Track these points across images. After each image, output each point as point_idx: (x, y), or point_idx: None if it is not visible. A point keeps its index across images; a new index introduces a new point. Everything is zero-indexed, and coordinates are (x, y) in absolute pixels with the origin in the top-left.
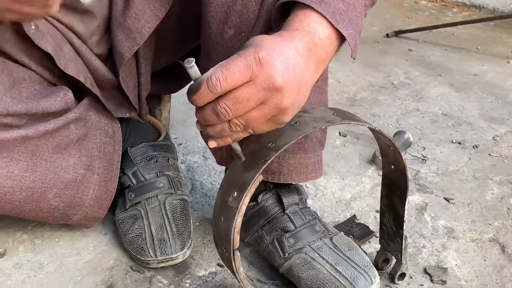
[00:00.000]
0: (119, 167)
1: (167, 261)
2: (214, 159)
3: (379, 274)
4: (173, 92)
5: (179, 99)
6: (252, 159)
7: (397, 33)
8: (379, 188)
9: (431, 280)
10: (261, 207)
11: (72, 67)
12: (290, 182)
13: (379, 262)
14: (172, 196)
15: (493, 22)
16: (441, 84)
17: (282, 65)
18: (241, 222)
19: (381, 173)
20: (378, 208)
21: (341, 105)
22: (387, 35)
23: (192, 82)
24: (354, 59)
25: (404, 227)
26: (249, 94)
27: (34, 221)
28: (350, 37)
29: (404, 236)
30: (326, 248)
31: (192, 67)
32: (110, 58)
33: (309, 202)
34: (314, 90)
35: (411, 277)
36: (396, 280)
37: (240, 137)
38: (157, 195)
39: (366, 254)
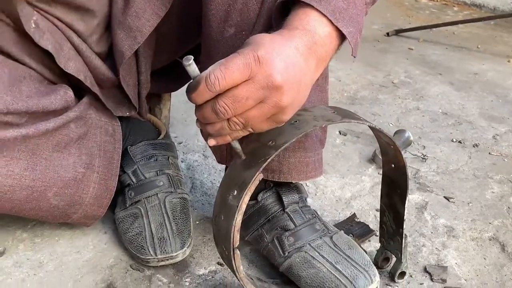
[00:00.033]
0: (119, 165)
1: (167, 259)
2: (214, 157)
3: (379, 273)
4: (173, 91)
5: (179, 97)
6: (252, 158)
7: (398, 32)
8: (379, 187)
9: (431, 279)
10: (261, 206)
11: (72, 65)
12: (290, 181)
13: (379, 261)
14: (172, 194)
15: (494, 21)
16: (442, 83)
17: (281, 64)
18: (241, 221)
19: (381, 172)
20: (378, 207)
21: (341, 104)
22: (388, 33)
23: (191, 80)
24: (354, 57)
25: (404, 226)
26: (248, 92)
27: (33, 219)
28: (350, 35)
29: (404, 235)
30: (326, 246)
31: (190, 64)
32: (110, 56)
33: (309, 200)
34: (315, 88)
35: (411, 276)
36: (396, 278)
37: (240, 136)
38: (157, 194)
39: (366, 253)
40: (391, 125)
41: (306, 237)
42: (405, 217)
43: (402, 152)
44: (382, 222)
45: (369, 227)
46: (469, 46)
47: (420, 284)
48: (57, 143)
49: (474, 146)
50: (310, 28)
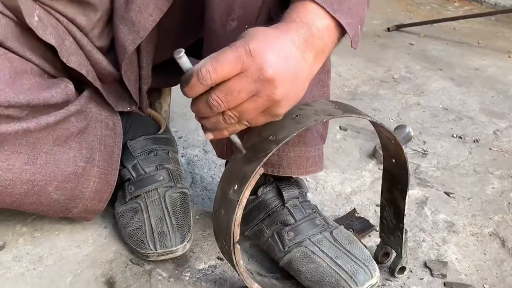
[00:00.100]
0: (120, 160)
1: (167, 254)
2: (214, 152)
3: (379, 268)
4: (174, 85)
5: (179, 92)
6: (253, 152)
7: (398, 27)
8: (379, 182)
9: (431, 274)
10: (261, 201)
11: (74, 60)
12: (290, 175)
13: (379, 256)
14: (172, 189)
15: (495, 17)
16: (442, 79)
17: (274, 57)
18: (241, 215)
19: (381, 167)
20: (378, 202)
21: (342, 99)
22: (388, 29)
23: (184, 74)
24: (355, 49)
25: (405, 221)
26: (240, 85)
27: (33, 214)
28: (349, 27)
29: (404, 230)
30: (326, 241)
31: (181, 57)
32: (111, 51)
33: (309, 195)
34: (316, 83)
35: (411, 271)
36: (396, 273)
37: (237, 130)
38: (157, 188)
39: (366, 248)
40: (391, 120)
41: (306, 232)
42: (405, 212)
43: (403, 147)
44: (382, 217)
45: (369, 222)
46: (469, 42)
47: (420, 279)
48: (57, 137)
49: (474, 142)
50: (308, 21)
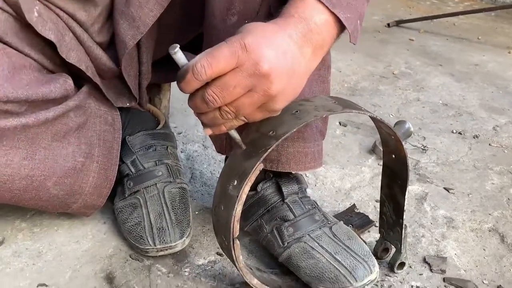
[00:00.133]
0: (119, 155)
1: (166, 249)
2: (213, 147)
3: (378, 264)
4: (173, 81)
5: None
6: (252, 148)
7: (398, 23)
8: (379, 177)
9: (430, 270)
10: (260, 196)
11: (73, 55)
12: (289, 171)
13: (379, 252)
14: (171, 184)
15: (495, 12)
16: (442, 74)
17: (270, 52)
18: (241, 211)
19: (381, 163)
20: (378, 198)
21: (342, 94)
22: (388, 24)
23: (180, 69)
24: (354, 44)
25: (404, 217)
26: (235, 81)
27: (33, 209)
28: (347, 21)
29: (404, 226)
30: (325, 237)
31: (176, 53)
32: (111, 47)
33: (309, 191)
34: (316, 79)
35: (410, 267)
36: (395, 269)
37: (235, 125)
38: (156, 184)
39: (366, 244)
40: (391, 116)
41: (306, 227)
42: (405, 207)
43: (403, 143)
44: (382, 213)
45: (369, 218)
46: (469, 37)
47: (420, 274)
48: (56, 132)
49: (474, 137)
50: (306, 16)
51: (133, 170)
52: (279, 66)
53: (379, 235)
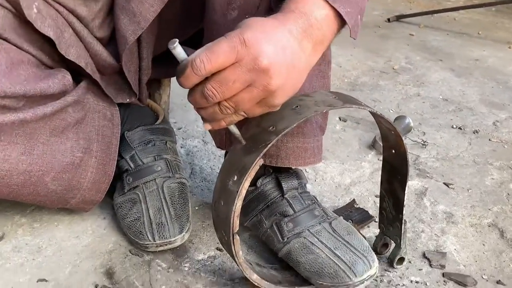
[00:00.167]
0: (117, 150)
1: (165, 244)
2: (213, 143)
3: (378, 259)
4: (173, 76)
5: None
6: (252, 143)
7: (398, 18)
8: (379, 173)
9: (430, 265)
10: (260, 192)
11: (73, 52)
12: (288, 166)
13: (378, 247)
14: (170, 179)
15: (495, 7)
16: (442, 69)
17: (269, 47)
18: (240, 206)
19: (381, 158)
20: (378, 193)
21: (342, 90)
22: (388, 19)
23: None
24: (354, 39)
25: (404, 212)
26: (235, 76)
27: (32, 205)
28: (348, 16)
29: (403, 221)
30: (325, 232)
31: (175, 47)
32: (111, 42)
33: (309, 186)
34: (317, 74)
35: (409, 262)
36: (395, 264)
37: (234, 120)
38: (155, 179)
39: (365, 239)
40: (391, 111)
41: (305, 223)
42: (404, 203)
43: (403, 138)
44: (381, 208)
45: (369, 213)
46: (470, 32)
47: (419, 269)
48: (54, 127)
49: (474, 133)
50: (306, 11)
51: (132, 165)
52: (278, 61)
53: (378, 230)
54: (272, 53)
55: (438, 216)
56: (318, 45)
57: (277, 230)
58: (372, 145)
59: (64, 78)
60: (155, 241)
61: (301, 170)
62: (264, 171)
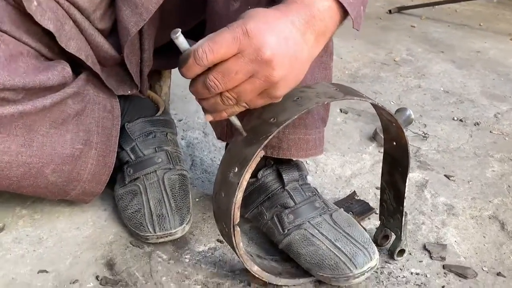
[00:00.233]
0: (118, 142)
1: (166, 236)
2: (214, 135)
3: (378, 251)
4: (173, 68)
5: (179, 74)
6: (253, 135)
7: (400, 9)
8: (380, 165)
9: (430, 257)
10: (261, 183)
11: (73, 45)
12: (290, 158)
13: (379, 239)
14: (171, 171)
15: None
16: (443, 61)
17: (272, 38)
18: (241, 198)
19: (381, 150)
20: (378, 185)
21: (343, 81)
22: (390, 11)
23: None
24: (357, 30)
25: (405, 204)
26: (237, 66)
27: (33, 196)
28: (350, 7)
29: (404, 213)
30: (325, 224)
31: (178, 37)
32: (112, 34)
33: (309, 178)
34: (319, 66)
35: (410, 254)
36: (395, 256)
37: (236, 111)
38: (155, 171)
39: (366, 231)
40: (392, 103)
41: (306, 214)
42: (405, 195)
43: (404, 130)
44: (382, 200)
45: (369, 205)
46: (471, 24)
47: (419, 261)
48: (54, 119)
49: (475, 125)
50: (309, 2)
51: (132, 157)
52: (281, 52)
53: (379, 222)
54: (275, 44)
55: (438, 208)
56: (321, 36)
57: (278, 222)
58: (373, 137)
59: (63, 70)
60: (155, 233)
61: (302, 162)
62: (265, 162)
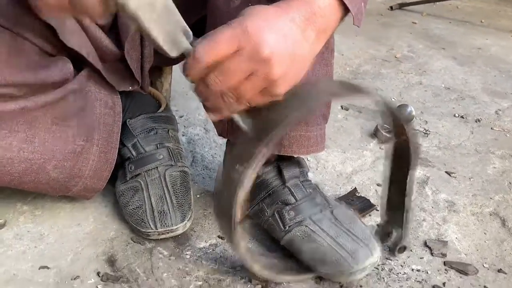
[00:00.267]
0: (119, 138)
1: (167, 232)
2: (215, 131)
3: (379, 247)
4: (175, 64)
5: (180, 71)
6: (258, 133)
7: (401, 6)
8: (380, 161)
9: (431, 253)
10: (261, 180)
11: (75, 40)
12: (291, 155)
13: (380, 235)
14: (172, 168)
15: None
16: (445, 58)
17: (271, 35)
18: (243, 196)
19: (383, 147)
20: (379, 182)
21: (344, 78)
22: (391, 7)
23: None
24: (358, 26)
25: (407, 201)
26: (236, 64)
27: (34, 192)
28: (351, 4)
29: (406, 209)
30: (326, 220)
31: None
32: (112, 29)
33: (310, 175)
34: (320, 62)
35: (411, 250)
36: (396, 253)
37: (238, 110)
38: (157, 167)
39: (366, 227)
40: (393, 99)
41: (307, 211)
42: (408, 191)
43: (410, 126)
44: (385, 196)
45: (370, 202)
46: (472, 21)
47: (420, 258)
48: (56, 115)
49: (476, 121)
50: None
51: (134, 153)
52: (280, 50)
53: (379, 218)
54: (274, 42)
55: (439, 204)
56: (322, 33)
57: (279, 219)
58: (374, 134)
59: (65, 66)
60: (157, 229)
61: (302, 159)
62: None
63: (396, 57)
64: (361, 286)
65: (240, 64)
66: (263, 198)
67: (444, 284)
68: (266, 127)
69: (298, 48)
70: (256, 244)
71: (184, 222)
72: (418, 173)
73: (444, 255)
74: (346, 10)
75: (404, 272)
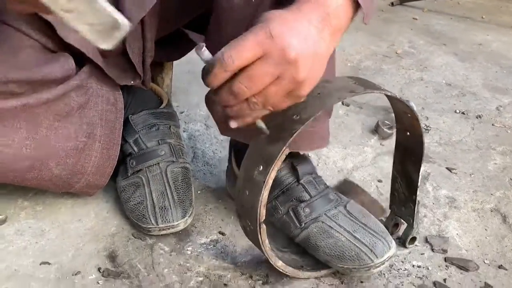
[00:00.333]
0: (121, 134)
1: (168, 228)
2: (215, 127)
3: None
4: (176, 59)
5: (181, 67)
6: (277, 132)
7: (402, 2)
8: (381, 157)
9: (432, 249)
10: (275, 178)
11: (74, 36)
12: (297, 151)
13: (389, 227)
14: (174, 164)
15: None
16: (446, 54)
17: (294, 38)
18: (267, 196)
19: (383, 143)
20: (380, 178)
21: (345, 74)
22: (392, 3)
23: (204, 65)
24: (365, 24)
25: (418, 192)
26: (263, 69)
27: (35, 188)
28: (364, 2)
29: (417, 201)
30: (341, 216)
31: (203, 51)
32: None
33: None
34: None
35: (416, 245)
36: (407, 244)
37: (261, 115)
38: (158, 163)
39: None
40: None
41: (322, 207)
42: (418, 184)
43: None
44: (393, 189)
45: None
46: (473, 16)
47: (421, 254)
48: (58, 112)
49: (477, 117)
50: (323, 1)
51: (135, 149)
52: (304, 52)
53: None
54: (298, 45)
55: (440, 201)
56: (336, 32)
57: (294, 216)
58: (375, 130)
59: (66, 62)
60: (158, 225)
61: (308, 155)
62: None
63: (397, 53)
64: (362, 282)
65: (267, 69)
66: (277, 195)
67: (444, 280)
68: (285, 126)
69: (318, 48)
70: (270, 241)
71: (185, 218)
72: None
73: (445, 251)
74: (355, 7)
75: (405, 268)
